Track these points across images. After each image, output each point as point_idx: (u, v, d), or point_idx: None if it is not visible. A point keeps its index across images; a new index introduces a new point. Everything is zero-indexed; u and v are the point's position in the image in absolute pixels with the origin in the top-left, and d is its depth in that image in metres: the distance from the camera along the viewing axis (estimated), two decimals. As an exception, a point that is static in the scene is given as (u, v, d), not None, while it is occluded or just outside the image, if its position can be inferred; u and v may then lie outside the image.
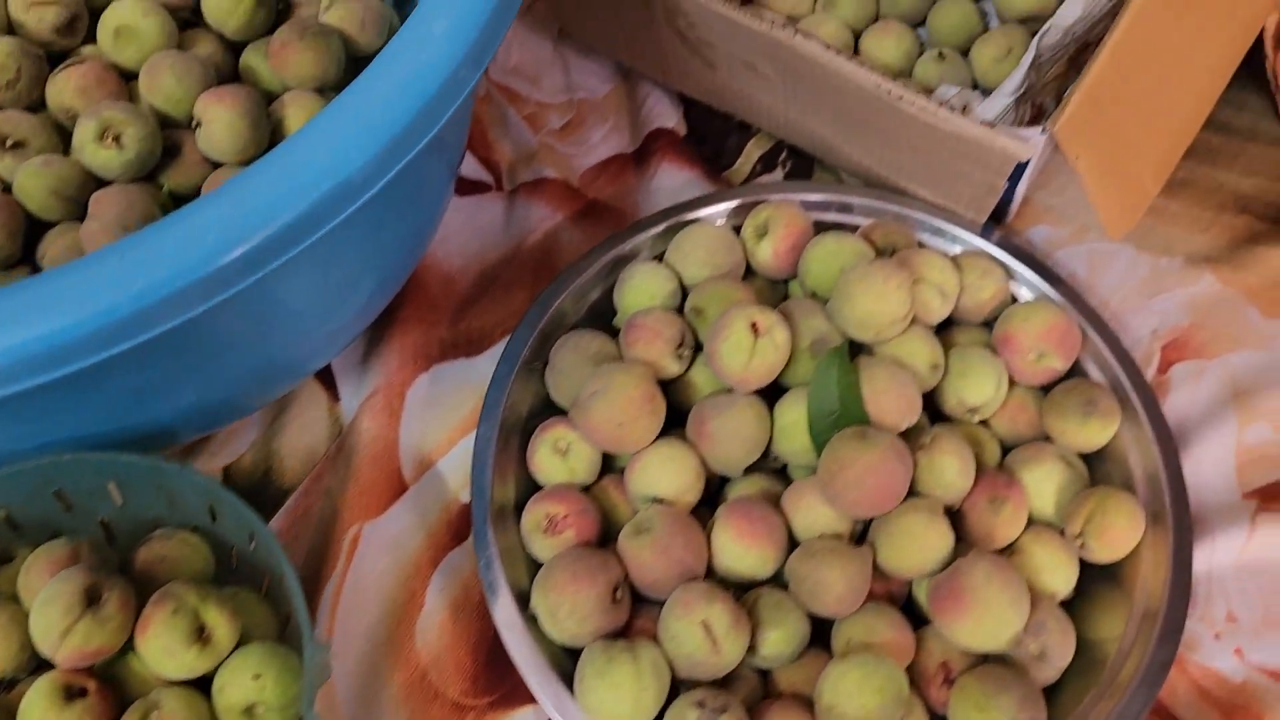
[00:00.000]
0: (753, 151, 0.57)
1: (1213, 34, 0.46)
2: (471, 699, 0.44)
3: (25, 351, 0.30)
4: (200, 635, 0.37)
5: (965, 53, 0.55)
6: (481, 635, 0.45)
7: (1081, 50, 0.50)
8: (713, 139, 0.57)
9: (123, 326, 0.31)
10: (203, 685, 0.38)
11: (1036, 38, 0.47)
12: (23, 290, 0.30)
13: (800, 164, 0.56)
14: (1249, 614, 0.46)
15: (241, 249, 0.31)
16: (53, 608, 0.36)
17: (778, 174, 0.56)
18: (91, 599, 0.36)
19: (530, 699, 0.43)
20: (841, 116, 0.48)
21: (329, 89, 0.52)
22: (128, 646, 0.38)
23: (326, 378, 0.51)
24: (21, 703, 0.36)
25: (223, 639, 0.37)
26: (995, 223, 0.52)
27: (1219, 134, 0.57)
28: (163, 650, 0.37)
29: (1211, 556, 0.47)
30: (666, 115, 0.57)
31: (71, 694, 0.36)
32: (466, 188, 0.56)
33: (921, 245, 0.50)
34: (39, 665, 0.38)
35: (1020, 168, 0.44)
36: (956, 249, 0.50)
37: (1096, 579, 0.44)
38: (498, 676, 0.44)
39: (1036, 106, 0.51)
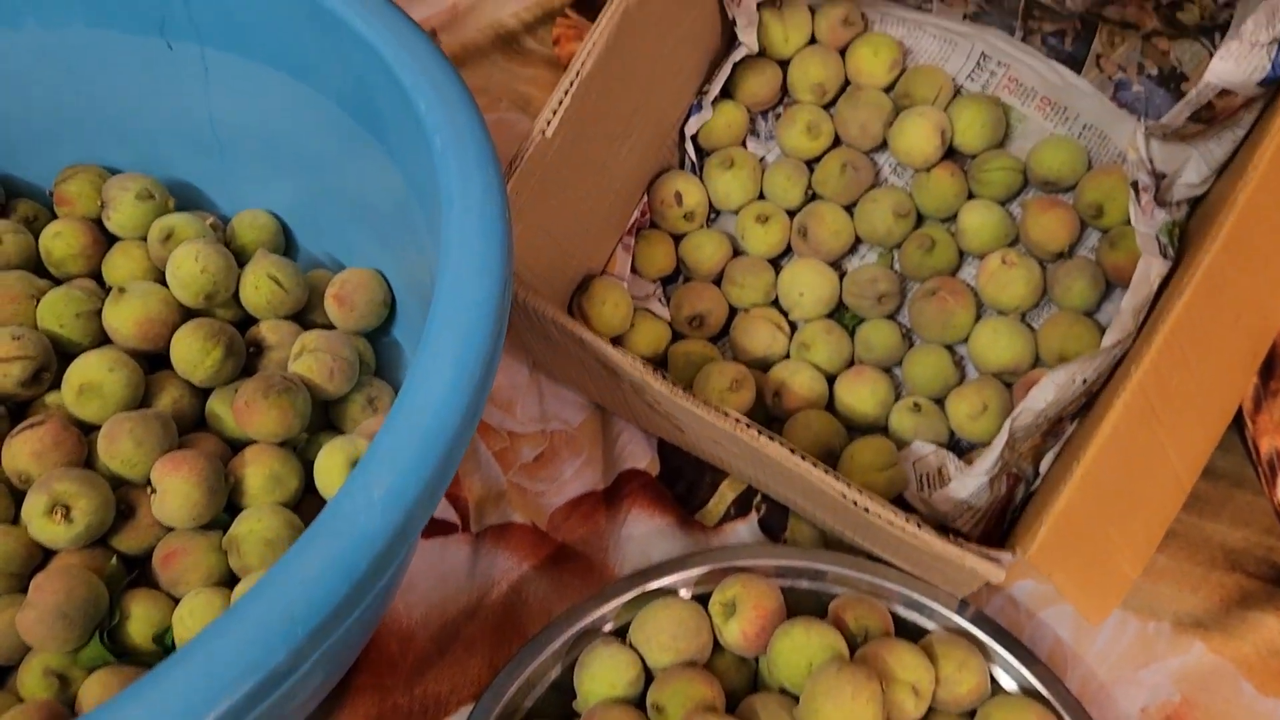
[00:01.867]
0: (726, 493, 0.56)
1: (1189, 428, 0.45)
2: None
3: None
4: None
5: (940, 401, 0.55)
6: None
7: (1056, 423, 0.49)
8: (687, 475, 0.56)
9: None
10: None
11: (1008, 421, 0.46)
12: None
13: (774, 510, 0.55)
14: None
15: None
16: None
17: (752, 519, 0.55)
18: None
19: None
20: (811, 498, 0.47)
21: (293, 440, 0.51)
22: None
23: (271, 751, 0.48)
24: None
25: None
26: (975, 612, 0.50)
27: (1204, 479, 0.56)
28: None
29: None
30: (639, 454, 0.56)
31: None
32: (432, 528, 0.55)
33: (896, 620, 0.48)
34: None
35: (994, 575, 0.43)
36: (932, 625, 0.48)
37: None
38: None
39: (1013, 476, 0.50)
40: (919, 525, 0.41)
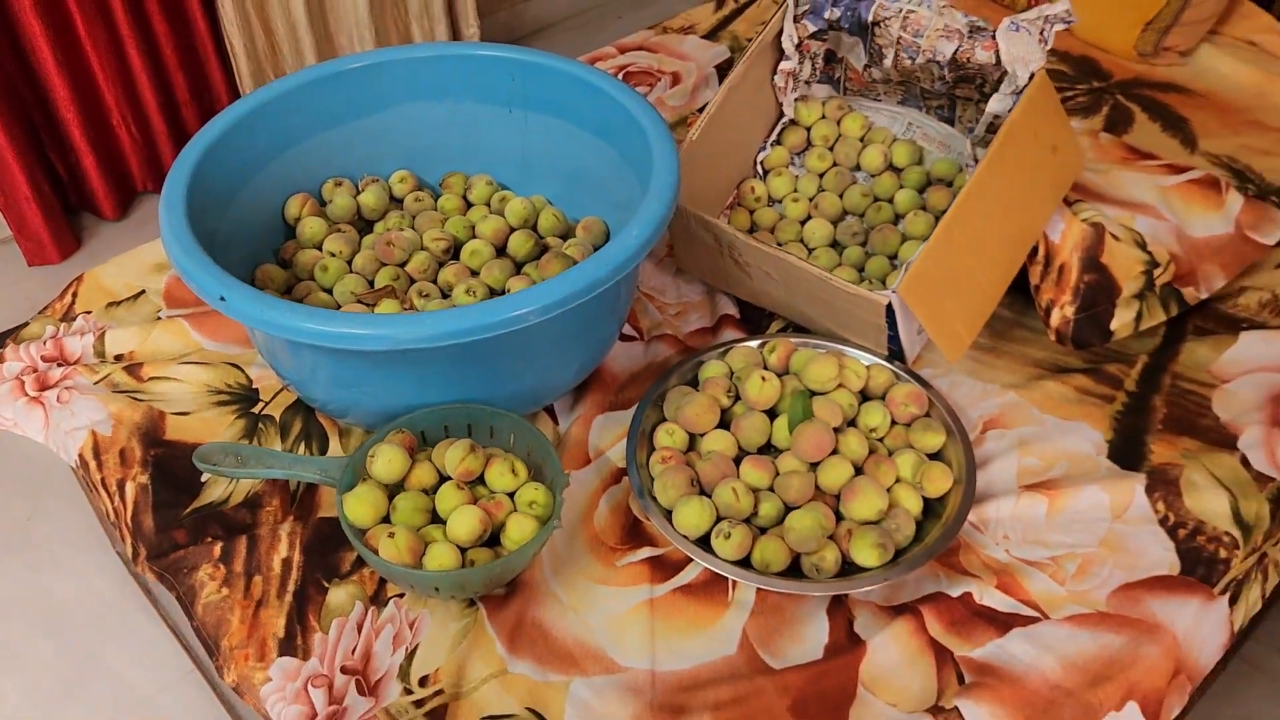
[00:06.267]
0: (773, 328, 1.09)
1: (1003, 249, 0.98)
2: (616, 544, 0.90)
3: (429, 335, 0.82)
4: (513, 471, 0.86)
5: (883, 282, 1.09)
6: (623, 521, 0.92)
7: (932, 275, 1.02)
8: (753, 321, 1.10)
9: (474, 331, 0.82)
10: (510, 495, 0.86)
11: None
12: (431, 316, 0.83)
13: (795, 333, 1.08)
14: (1013, 536, 0.90)
15: (534, 306, 0.83)
16: (456, 452, 0.86)
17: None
18: (471, 450, 0.86)
19: (643, 544, 0.90)
20: (808, 296, 1.00)
21: (564, 283, 1.07)
22: (481, 477, 0.87)
23: (550, 412, 1.02)
24: (437, 495, 0.85)
25: (522, 474, 0.86)
26: (899, 361, 1.02)
27: (1018, 327, 1.08)
28: (497, 475, 0.86)
29: (998, 509, 0.92)
30: (729, 309, 1.11)
31: (458, 489, 0.85)
32: (624, 338, 1.09)
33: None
34: (442, 480, 0.87)
35: (890, 312, 0.95)
36: (869, 362, 1.00)
37: (932, 504, 0.90)
38: (629, 538, 0.91)
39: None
40: (850, 286, 0.94)
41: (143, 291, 1.13)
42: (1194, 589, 0.87)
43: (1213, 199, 1.16)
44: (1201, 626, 0.86)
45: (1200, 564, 0.89)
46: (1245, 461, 0.96)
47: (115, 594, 1.32)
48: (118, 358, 1.06)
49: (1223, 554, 0.89)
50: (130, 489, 0.94)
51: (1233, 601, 0.89)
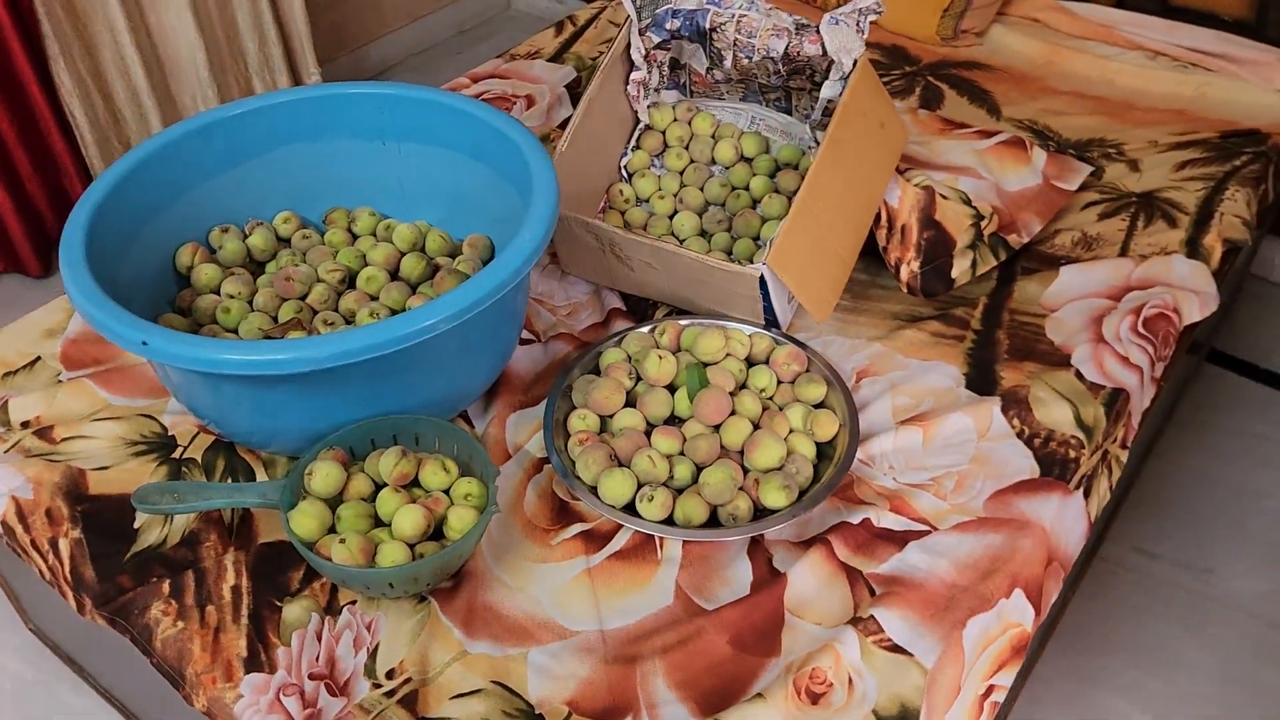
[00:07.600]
0: (659, 315, 1.18)
1: (852, 217, 1.10)
2: (548, 526, 0.97)
3: (350, 351, 0.88)
4: (445, 469, 0.92)
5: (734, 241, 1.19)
6: (551, 504, 0.99)
7: (794, 248, 1.14)
8: (638, 310, 1.19)
9: (391, 343, 0.88)
10: (445, 491, 0.92)
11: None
12: (349, 333, 0.89)
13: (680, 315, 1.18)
14: (897, 465, 1.02)
15: (443, 315, 0.90)
16: (389, 459, 0.91)
17: (672, 322, 1.18)
18: (403, 455, 0.92)
19: (573, 521, 0.97)
20: (688, 280, 1.10)
21: (460, 297, 1.13)
22: (416, 479, 0.92)
23: (465, 418, 1.08)
24: (377, 501, 0.91)
25: (453, 471, 0.93)
26: (776, 329, 1.12)
27: (875, 286, 1.20)
28: (431, 475, 0.92)
29: (881, 444, 1.03)
30: (616, 303, 1.19)
31: (396, 492, 0.91)
32: (524, 341, 1.16)
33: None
34: (378, 488, 0.92)
35: (763, 285, 1.05)
36: (750, 331, 1.11)
37: (824, 448, 1.01)
38: (559, 518, 0.98)
39: (779, 273, 1.14)
40: (725, 264, 1.04)
41: (38, 358, 1.13)
42: (1053, 487, 1.00)
43: (1021, 157, 1.32)
44: (1064, 519, 0.99)
45: (1055, 465, 1.02)
46: (1079, 375, 1.11)
47: (35, 673, 1.31)
48: (25, 424, 1.06)
49: (1072, 454, 1.03)
50: (64, 545, 0.95)
51: (1086, 494, 1.02)
